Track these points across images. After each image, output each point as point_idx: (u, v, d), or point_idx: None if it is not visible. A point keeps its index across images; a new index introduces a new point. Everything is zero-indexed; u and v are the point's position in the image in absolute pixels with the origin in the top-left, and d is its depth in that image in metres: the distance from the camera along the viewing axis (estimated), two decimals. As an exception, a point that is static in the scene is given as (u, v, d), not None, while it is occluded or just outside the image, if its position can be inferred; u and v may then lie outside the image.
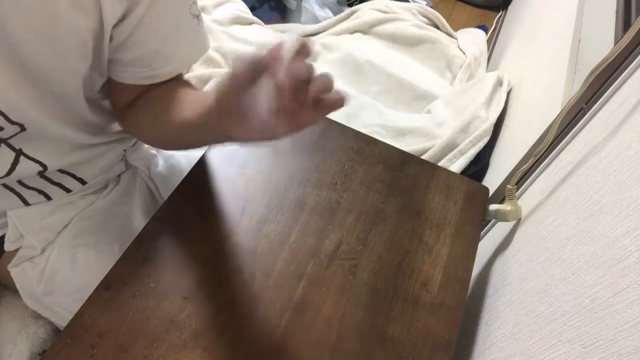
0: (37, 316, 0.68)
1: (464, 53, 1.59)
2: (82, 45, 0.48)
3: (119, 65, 0.53)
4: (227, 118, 0.40)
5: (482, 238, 0.85)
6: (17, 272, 0.64)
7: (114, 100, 0.60)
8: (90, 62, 0.50)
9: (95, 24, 0.46)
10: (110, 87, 0.58)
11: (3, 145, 0.53)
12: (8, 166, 0.55)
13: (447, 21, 1.68)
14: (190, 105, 0.51)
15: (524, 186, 0.75)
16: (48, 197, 0.64)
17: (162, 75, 0.55)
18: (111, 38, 0.50)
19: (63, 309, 0.63)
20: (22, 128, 0.51)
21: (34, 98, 0.49)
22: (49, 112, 0.52)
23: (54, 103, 0.52)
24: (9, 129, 0.51)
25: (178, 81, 0.59)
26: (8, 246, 0.64)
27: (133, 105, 0.58)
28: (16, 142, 0.53)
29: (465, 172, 1.15)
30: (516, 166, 0.79)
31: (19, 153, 0.55)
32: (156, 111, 0.55)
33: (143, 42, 0.51)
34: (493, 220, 0.82)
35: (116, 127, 0.69)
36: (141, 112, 0.58)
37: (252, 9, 1.65)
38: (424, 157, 1.18)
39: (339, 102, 0.37)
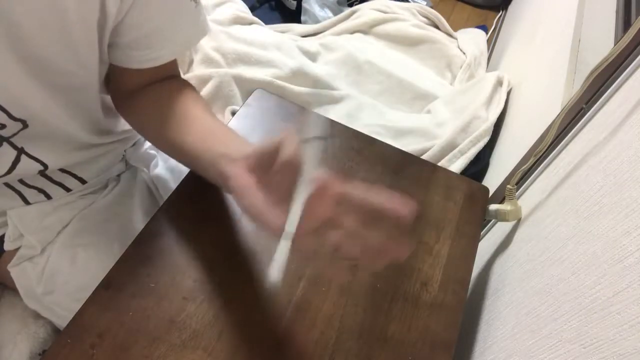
0: (37, 316, 0.68)
1: (464, 53, 1.59)
2: (89, 34, 0.47)
3: (117, 48, 0.53)
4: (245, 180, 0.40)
5: (482, 238, 0.85)
6: (17, 271, 0.64)
7: (114, 86, 0.60)
8: (97, 52, 0.50)
9: (98, 11, 0.46)
10: (112, 72, 0.58)
11: (5, 143, 0.53)
12: (9, 165, 0.55)
13: (447, 21, 1.68)
14: (201, 135, 0.51)
15: (524, 186, 0.75)
16: (48, 196, 0.64)
17: (161, 59, 0.55)
18: None
19: (63, 309, 0.63)
20: (25, 125, 0.51)
21: (38, 92, 0.49)
22: (53, 107, 0.52)
23: (60, 97, 0.52)
24: (11, 127, 0.50)
25: (183, 86, 0.59)
26: (8, 245, 0.64)
27: (135, 97, 0.58)
28: (18, 141, 0.53)
29: (465, 172, 1.15)
30: (516, 166, 0.79)
31: (20, 152, 0.55)
32: (159, 119, 0.55)
33: (138, 24, 0.50)
34: (493, 220, 0.82)
35: (121, 127, 0.69)
36: (143, 113, 0.58)
37: (252, 9, 1.65)
38: (424, 157, 1.18)
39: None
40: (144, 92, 0.58)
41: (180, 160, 0.59)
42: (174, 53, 0.56)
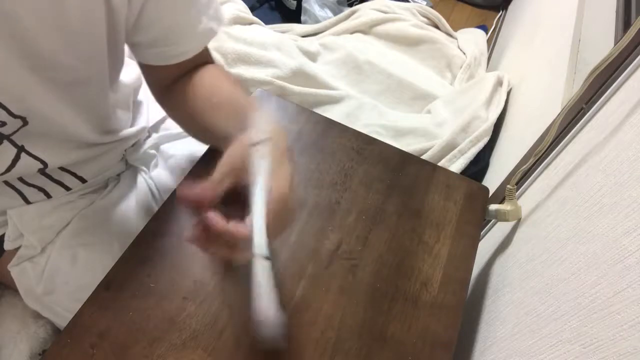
0: (37, 316, 0.69)
1: (464, 53, 1.59)
2: (93, 29, 0.47)
3: (142, 48, 0.53)
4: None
5: (482, 238, 0.85)
6: (17, 271, 0.64)
7: (149, 82, 0.62)
8: (105, 48, 0.50)
9: (103, 6, 0.46)
10: (143, 71, 0.59)
11: (5, 141, 0.53)
12: (8, 163, 0.55)
13: (447, 21, 1.69)
14: (226, 115, 0.52)
15: (524, 186, 0.75)
16: (48, 195, 0.64)
17: (190, 52, 0.55)
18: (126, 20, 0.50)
19: (63, 309, 0.64)
20: (24, 122, 0.51)
21: (38, 87, 0.49)
22: (54, 102, 0.52)
23: (61, 92, 0.52)
24: (11, 124, 0.50)
25: (213, 71, 0.59)
26: (8, 245, 0.64)
27: (171, 93, 0.59)
28: (18, 139, 0.53)
29: (465, 172, 1.16)
30: (516, 166, 0.79)
31: (20, 150, 0.55)
32: (196, 114, 0.56)
33: (157, 19, 0.51)
34: (493, 220, 0.82)
35: (126, 126, 0.69)
36: (181, 107, 0.59)
37: (252, 9, 1.65)
38: (424, 157, 1.18)
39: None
40: (179, 88, 0.58)
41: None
42: (198, 46, 0.56)
